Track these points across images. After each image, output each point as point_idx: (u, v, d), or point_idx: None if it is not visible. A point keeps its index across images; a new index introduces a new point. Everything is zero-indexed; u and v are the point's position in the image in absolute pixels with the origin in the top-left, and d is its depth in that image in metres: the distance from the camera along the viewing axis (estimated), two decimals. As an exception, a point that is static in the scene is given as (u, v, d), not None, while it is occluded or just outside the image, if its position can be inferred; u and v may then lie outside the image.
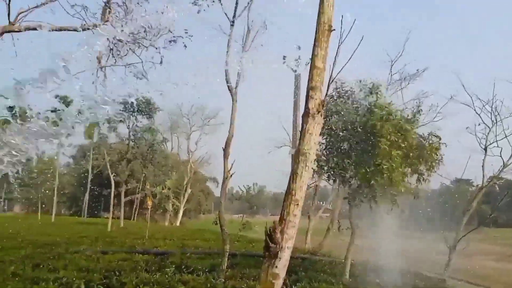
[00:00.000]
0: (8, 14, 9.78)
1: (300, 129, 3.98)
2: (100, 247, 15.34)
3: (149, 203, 25.31)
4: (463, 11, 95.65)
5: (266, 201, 75.45)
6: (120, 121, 31.98)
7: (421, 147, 11.65)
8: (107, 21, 10.74)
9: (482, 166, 16.68)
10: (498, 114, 16.95)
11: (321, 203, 29.09)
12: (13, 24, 9.97)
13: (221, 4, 11.58)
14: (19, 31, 10.27)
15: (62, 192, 46.61)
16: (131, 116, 30.89)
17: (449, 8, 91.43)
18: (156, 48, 11.16)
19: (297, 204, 3.64)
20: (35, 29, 10.43)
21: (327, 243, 21.77)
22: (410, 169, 11.76)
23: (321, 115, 3.84)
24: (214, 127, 44.95)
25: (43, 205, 45.18)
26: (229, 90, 11.77)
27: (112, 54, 11.32)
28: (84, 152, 47.66)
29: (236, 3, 11.76)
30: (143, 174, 40.00)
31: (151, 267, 11.71)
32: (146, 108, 30.52)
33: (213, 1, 11.31)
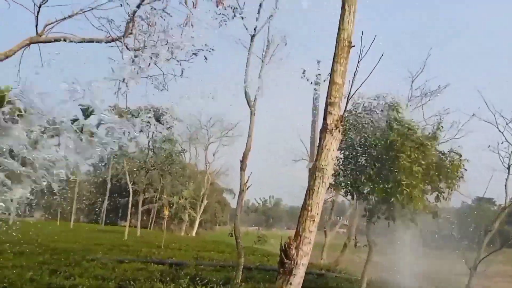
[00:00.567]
0: (36, 26, 10.13)
1: (317, 143, 3.97)
2: (116, 256, 15.47)
3: (166, 212, 25.47)
4: (487, 27, 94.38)
5: (282, 214, 74.88)
6: (140, 131, 32.45)
7: (442, 165, 11.43)
8: (130, 33, 11.01)
9: (505, 185, 16.26)
10: (522, 132, 16.55)
11: (338, 218, 28.71)
12: (40, 35, 10.32)
13: (242, 18, 11.75)
14: (46, 42, 10.63)
15: (81, 199, 47.40)
16: (151, 126, 31.34)
17: (473, 24, 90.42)
18: (178, 61, 11.35)
19: (313, 220, 3.61)
20: (61, 40, 10.78)
21: (344, 259, 21.43)
22: (430, 186, 11.53)
23: (339, 131, 3.82)
24: (232, 138, 45.18)
25: (63, 212, 46.03)
26: (248, 102, 11.85)
27: (134, 66, 11.56)
28: (104, 161, 48.44)
29: (257, 19, 11.92)
30: (161, 184, 40.35)
31: (166, 278, 11.72)
32: (165, 118, 30.98)
33: (234, 16, 11.48)
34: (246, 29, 11.91)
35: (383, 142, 11.29)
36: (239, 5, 11.49)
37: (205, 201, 46.24)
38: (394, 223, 11.33)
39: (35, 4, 9.87)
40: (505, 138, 16.90)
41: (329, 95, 3.89)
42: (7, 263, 13.07)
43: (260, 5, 11.82)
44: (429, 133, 11.85)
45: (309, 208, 3.62)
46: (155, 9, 10.31)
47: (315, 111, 19.63)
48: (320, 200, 3.67)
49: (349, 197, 13.16)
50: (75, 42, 11.05)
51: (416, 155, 10.82)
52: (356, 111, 12.40)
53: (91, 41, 11.26)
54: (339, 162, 12.09)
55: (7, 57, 9.92)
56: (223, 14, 11.22)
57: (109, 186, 42.41)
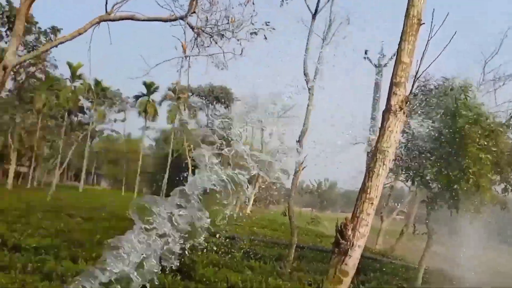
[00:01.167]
0: (106, 5, 10.68)
1: (379, 126, 3.84)
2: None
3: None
4: None
5: (337, 197, 73.93)
6: (200, 108, 33.41)
7: (514, 154, 10.60)
8: (193, 12, 11.23)
9: None
10: None
11: (396, 204, 27.85)
12: (109, 14, 10.87)
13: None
14: (114, 20, 11.17)
15: (144, 172, 50.10)
16: (210, 104, 32.14)
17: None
18: (238, 40, 11.44)
19: (372, 203, 3.54)
20: (128, 18, 11.27)
21: (400, 247, 20.86)
22: (499, 176, 10.78)
23: (403, 113, 3.68)
24: (289, 119, 45.02)
25: (127, 183, 48.99)
26: (306, 83, 11.70)
27: (196, 44, 11.84)
28: (166, 136, 50.62)
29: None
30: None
31: (220, 249, 12.13)
32: (224, 97, 31.54)
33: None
34: (308, 7, 11.66)
35: (450, 128, 10.66)
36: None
37: (260, 180, 46.84)
38: (457, 212, 10.77)
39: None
40: None
41: (394, 74, 3.73)
42: (77, 226, 14.30)
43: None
44: (500, 119, 11.01)
45: (368, 190, 3.54)
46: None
47: (377, 95, 18.90)
48: (380, 183, 3.58)
49: (409, 183, 12.67)
50: (140, 20, 11.51)
51: (486, 142, 10.12)
52: (422, 94, 11.76)
53: (156, 19, 11.67)
54: (402, 146, 11.62)
55: (79, 34, 10.60)
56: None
57: (170, 160, 44.31)
